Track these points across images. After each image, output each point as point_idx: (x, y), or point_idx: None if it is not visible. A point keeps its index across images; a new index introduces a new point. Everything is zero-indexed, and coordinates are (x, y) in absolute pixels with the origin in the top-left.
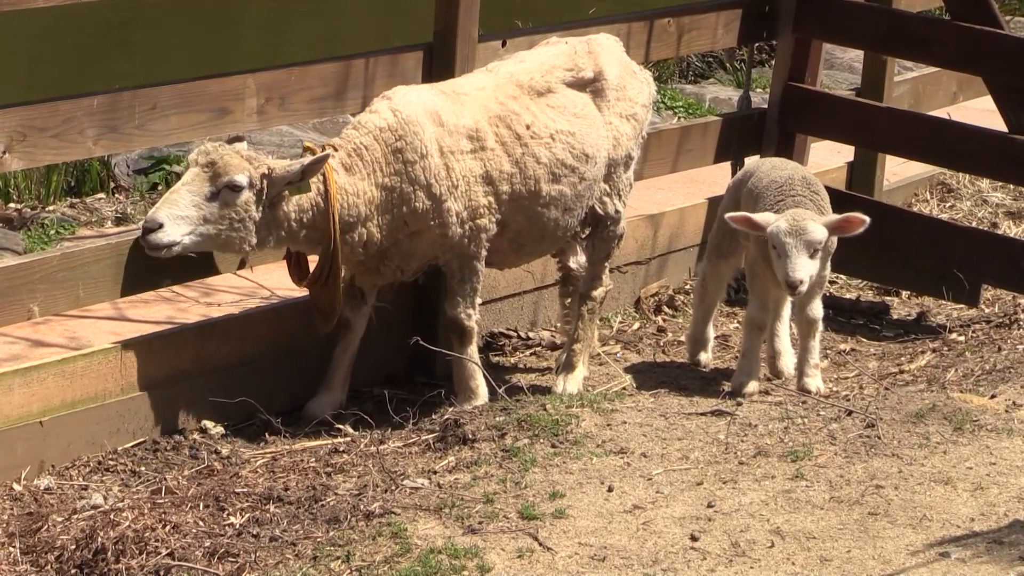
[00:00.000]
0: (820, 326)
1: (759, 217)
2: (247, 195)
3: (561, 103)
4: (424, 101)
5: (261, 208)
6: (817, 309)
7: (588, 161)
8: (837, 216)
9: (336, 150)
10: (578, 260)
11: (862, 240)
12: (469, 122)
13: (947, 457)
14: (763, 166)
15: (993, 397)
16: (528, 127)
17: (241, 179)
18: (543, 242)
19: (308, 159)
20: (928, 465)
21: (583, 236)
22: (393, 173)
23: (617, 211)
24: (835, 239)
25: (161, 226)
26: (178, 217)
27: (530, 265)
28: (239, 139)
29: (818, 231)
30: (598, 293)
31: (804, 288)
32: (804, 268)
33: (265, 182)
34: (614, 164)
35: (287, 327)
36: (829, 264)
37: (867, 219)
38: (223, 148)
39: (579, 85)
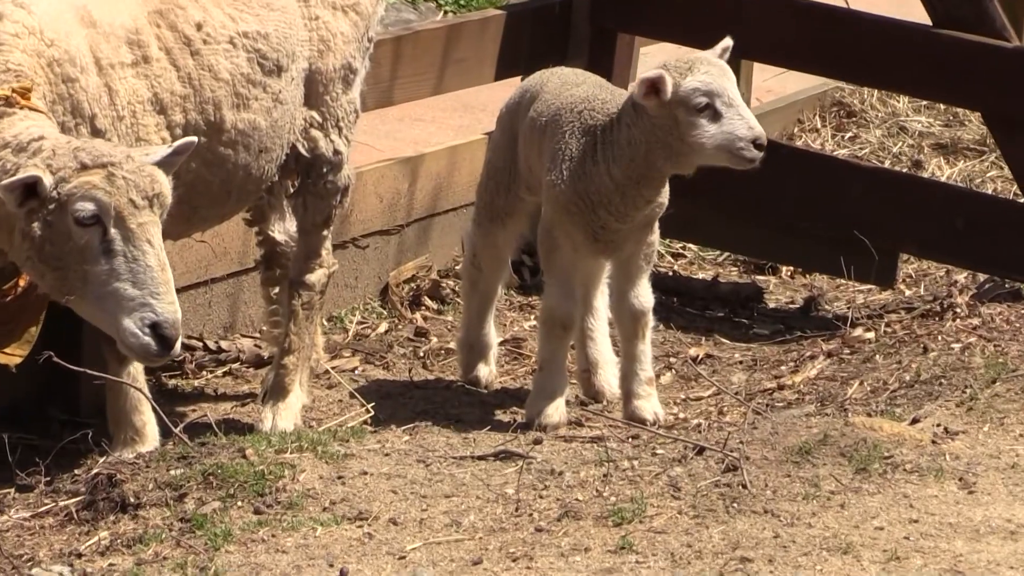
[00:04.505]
0: (651, 320)
1: (655, 75)
2: None
3: None
4: None
5: None
6: (644, 295)
7: (284, 75)
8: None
9: (31, 88)
10: (285, 228)
11: (720, 192)
12: (127, 20)
13: (846, 513)
14: (550, 82)
15: (915, 422)
16: (200, 27)
17: None
18: (226, 201)
19: (174, 145)
20: (818, 526)
21: (291, 191)
22: (56, 100)
23: (336, 152)
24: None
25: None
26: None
27: (223, 238)
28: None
29: None
30: (316, 278)
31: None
32: None
33: None
34: (324, 79)
35: None
36: (657, 227)
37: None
38: (147, 169)
39: None
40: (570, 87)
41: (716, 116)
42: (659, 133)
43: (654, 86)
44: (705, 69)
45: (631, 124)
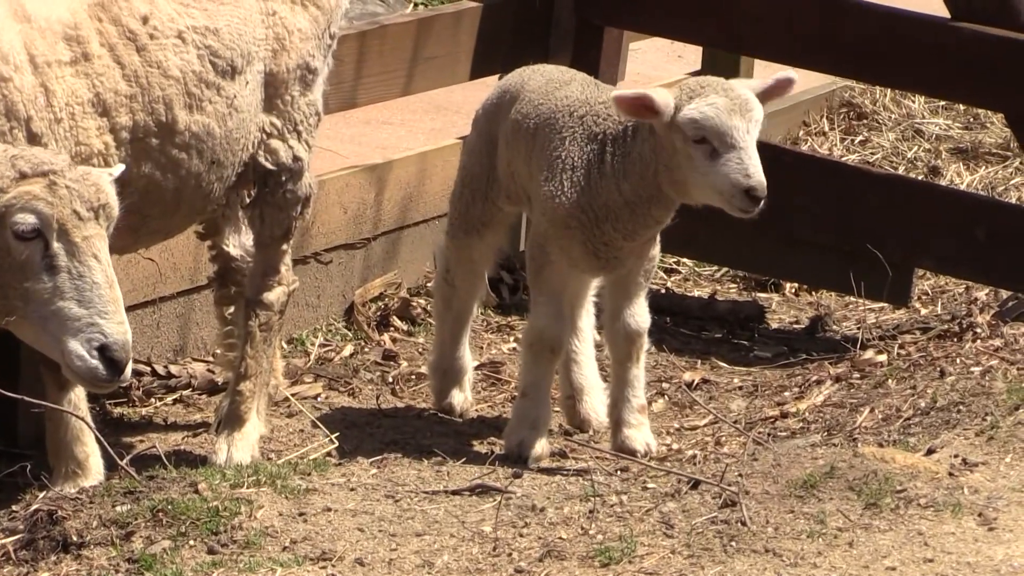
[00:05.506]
0: (646, 343)
1: (655, 96)
2: None
3: None
4: None
5: None
6: (641, 314)
7: (239, 78)
8: (764, 80)
9: None
10: (241, 242)
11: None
12: (64, 14)
13: (854, 552)
14: (532, 80)
15: (930, 453)
16: (146, 20)
17: None
18: (176, 212)
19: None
20: (824, 566)
21: (247, 202)
22: None
23: (296, 158)
24: None
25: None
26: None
27: (172, 254)
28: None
29: (759, 106)
30: (274, 297)
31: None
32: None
33: None
34: (282, 80)
35: None
36: (659, 241)
37: (794, 77)
38: (91, 177)
39: None
40: (559, 86)
41: (714, 154)
42: (662, 155)
43: (644, 106)
44: (712, 100)
45: (644, 139)
